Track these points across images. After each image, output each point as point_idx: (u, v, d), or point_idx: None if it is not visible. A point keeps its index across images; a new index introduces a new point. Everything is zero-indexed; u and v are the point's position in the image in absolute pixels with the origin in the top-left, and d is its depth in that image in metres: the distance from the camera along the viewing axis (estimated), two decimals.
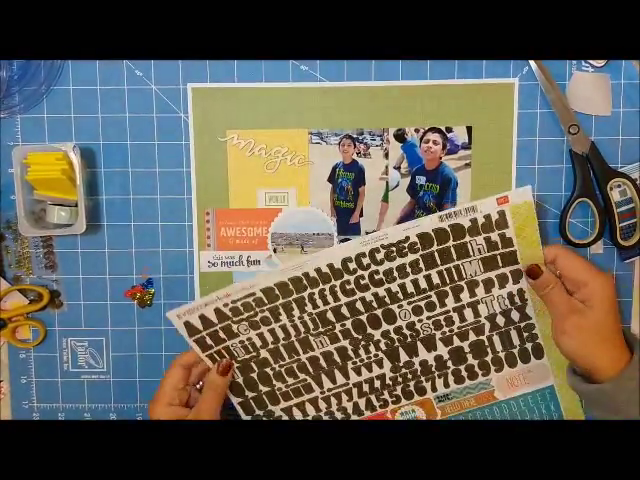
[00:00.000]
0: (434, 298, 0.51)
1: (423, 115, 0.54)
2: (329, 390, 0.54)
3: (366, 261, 0.50)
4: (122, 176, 0.55)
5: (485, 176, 0.54)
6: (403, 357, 0.53)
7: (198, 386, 0.53)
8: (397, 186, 0.55)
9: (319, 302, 0.51)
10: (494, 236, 0.49)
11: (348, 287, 0.50)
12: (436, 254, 0.50)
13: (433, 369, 0.53)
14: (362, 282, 0.50)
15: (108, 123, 0.54)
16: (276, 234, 0.56)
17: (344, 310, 0.51)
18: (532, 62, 0.53)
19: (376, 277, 0.50)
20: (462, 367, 0.53)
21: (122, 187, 0.55)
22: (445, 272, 0.51)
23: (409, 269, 0.50)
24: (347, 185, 0.55)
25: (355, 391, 0.54)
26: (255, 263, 0.56)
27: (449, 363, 0.53)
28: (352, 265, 0.50)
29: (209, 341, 0.51)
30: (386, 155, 0.55)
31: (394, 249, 0.49)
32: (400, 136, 0.54)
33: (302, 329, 0.52)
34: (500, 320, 0.52)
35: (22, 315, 0.56)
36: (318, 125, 0.54)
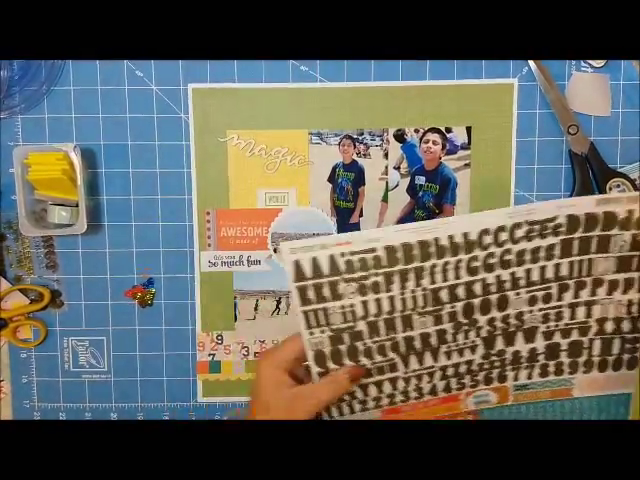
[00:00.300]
0: (554, 290, 0.48)
1: (423, 115, 0.54)
2: (413, 371, 0.50)
3: (504, 236, 0.46)
4: (123, 176, 0.55)
5: (484, 176, 0.55)
6: (499, 345, 0.50)
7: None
8: (397, 186, 0.55)
9: (438, 277, 0.46)
10: None
11: (473, 264, 0.46)
12: (576, 242, 0.46)
13: (522, 360, 0.51)
14: (491, 261, 0.46)
15: (109, 123, 0.54)
16: (276, 234, 0.56)
17: (460, 290, 0.47)
18: (531, 62, 0.53)
19: (505, 257, 0.46)
20: (552, 363, 0.51)
21: (123, 187, 0.55)
22: (577, 264, 0.47)
23: (543, 253, 0.47)
24: (347, 185, 0.55)
25: (438, 374, 0.51)
26: (255, 263, 0.56)
27: (541, 357, 0.50)
28: (488, 239, 0.46)
29: (310, 294, 0.46)
30: (386, 155, 0.55)
31: (537, 228, 0.46)
32: (400, 136, 0.55)
33: (410, 305, 0.47)
34: (609, 326, 0.50)
35: (23, 315, 0.56)
36: (318, 125, 0.55)
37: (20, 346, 0.57)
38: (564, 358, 0.50)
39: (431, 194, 0.55)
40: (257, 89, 0.54)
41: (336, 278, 0.46)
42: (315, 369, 0.48)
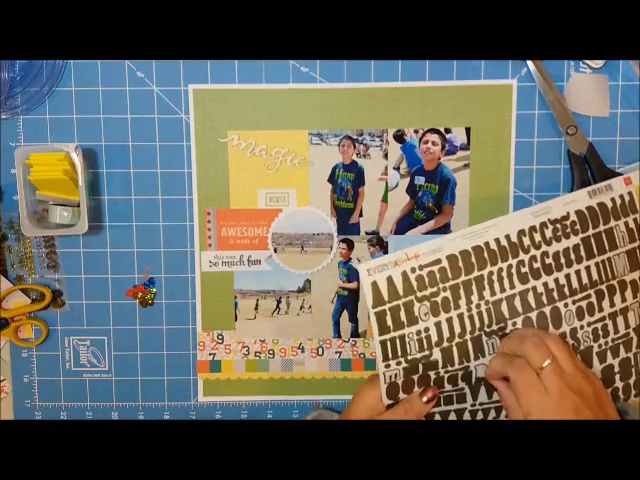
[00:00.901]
0: (593, 299, 0.48)
1: (422, 116, 0.54)
2: (481, 404, 0.49)
3: (537, 237, 0.47)
4: (124, 177, 0.55)
5: (484, 177, 0.55)
6: None
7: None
8: (396, 186, 0.55)
9: (496, 286, 0.47)
10: (630, 222, 0.48)
11: (523, 270, 0.47)
12: (592, 240, 0.48)
13: None
14: (535, 265, 0.47)
15: (110, 124, 0.55)
16: (276, 234, 0.56)
17: (517, 302, 0.47)
18: (530, 63, 0.53)
19: (547, 261, 0.48)
20: (609, 390, 0.48)
21: (124, 187, 0.55)
22: (601, 265, 0.48)
23: (573, 255, 0.48)
24: (347, 185, 0.56)
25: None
26: (256, 263, 0.56)
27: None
28: (526, 240, 0.47)
29: (389, 321, 0.46)
30: (385, 156, 0.55)
31: (559, 227, 0.48)
32: (399, 137, 0.55)
33: (477, 323, 0.47)
34: None
35: (24, 314, 0.57)
36: (318, 126, 0.55)
37: (21, 346, 0.57)
38: (618, 382, 0.48)
39: (431, 194, 0.55)
40: (257, 90, 0.54)
41: (411, 298, 0.46)
42: (386, 402, 0.47)
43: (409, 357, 0.47)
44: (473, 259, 0.47)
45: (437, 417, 0.49)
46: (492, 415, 0.49)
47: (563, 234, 0.48)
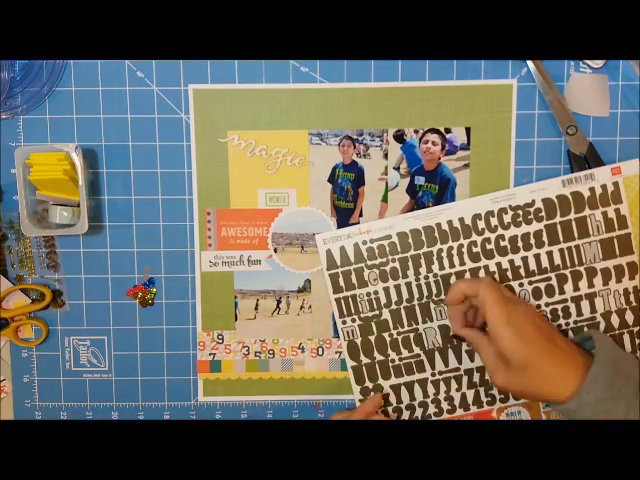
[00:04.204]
0: (554, 281, 0.52)
1: (422, 116, 0.54)
2: (440, 373, 0.54)
3: (494, 222, 0.51)
4: (124, 177, 0.55)
5: (483, 177, 0.55)
6: None
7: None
8: (396, 186, 0.55)
9: (445, 262, 0.52)
10: (610, 212, 0.50)
11: (474, 250, 0.52)
12: (559, 227, 0.51)
13: None
14: (488, 247, 0.51)
15: (110, 124, 0.55)
16: (276, 234, 0.56)
17: (467, 277, 0.52)
18: (530, 63, 0.53)
19: (502, 243, 0.51)
20: None
21: (124, 187, 0.55)
22: (566, 251, 0.51)
23: (533, 240, 0.51)
24: (347, 185, 0.56)
25: (465, 380, 0.54)
26: (256, 263, 0.56)
27: None
28: (481, 224, 0.52)
29: (341, 282, 0.53)
30: (385, 156, 0.55)
31: (521, 213, 0.51)
32: (399, 137, 0.55)
33: (425, 292, 0.53)
34: (615, 320, 0.52)
35: (24, 314, 0.57)
36: (318, 126, 0.55)
37: (21, 345, 0.57)
38: None
39: (431, 194, 0.55)
40: (258, 90, 0.54)
41: (361, 265, 0.53)
42: (350, 363, 0.55)
43: (362, 315, 0.54)
44: (423, 237, 0.52)
45: (403, 390, 0.55)
46: (454, 386, 0.54)
47: (524, 220, 0.51)
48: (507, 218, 0.51)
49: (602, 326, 0.52)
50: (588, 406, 0.43)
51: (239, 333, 0.57)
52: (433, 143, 0.55)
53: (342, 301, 0.54)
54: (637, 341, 0.52)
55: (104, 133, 0.55)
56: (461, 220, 0.52)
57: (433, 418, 0.55)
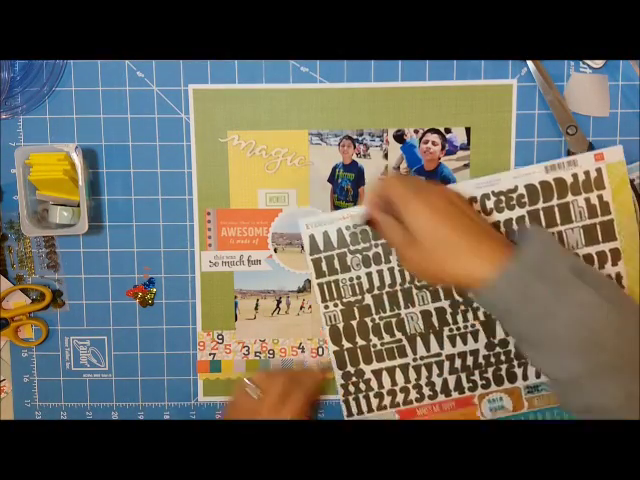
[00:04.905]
0: None
1: (422, 116, 0.54)
2: (422, 358, 0.54)
3: (477, 207, 0.51)
4: (124, 177, 0.55)
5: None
6: (499, 333, 0.53)
7: None
8: None
9: None
10: (593, 198, 0.50)
11: None
12: (541, 213, 0.51)
13: None
14: None
15: (110, 124, 0.55)
16: (276, 234, 0.56)
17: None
18: (530, 63, 0.53)
19: None
20: None
21: (124, 187, 0.55)
22: None
23: (515, 226, 0.51)
24: (347, 185, 0.56)
25: (447, 365, 0.54)
26: (256, 263, 0.56)
27: None
28: None
29: (324, 266, 0.53)
30: (385, 156, 0.55)
31: (504, 198, 0.51)
32: (399, 137, 0.55)
33: (407, 277, 0.53)
34: None
35: (24, 314, 0.57)
36: (318, 126, 0.55)
37: (21, 346, 0.57)
38: None
39: None
40: (257, 90, 0.54)
41: (344, 250, 0.53)
42: (332, 347, 0.55)
43: (344, 300, 0.54)
44: None
45: (384, 375, 0.55)
46: (436, 372, 0.55)
47: (507, 206, 0.51)
48: (490, 204, 0.51)
49: None
50: (502, 297, 0.41)
51: (239, 333, 0.57)
52: (433, 143, 0.55)
53: (325, 286, 0.54)
54: None
55: (104, 133, 0.55)
56: None
57: (414, 404, 0.55)
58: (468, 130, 0.54)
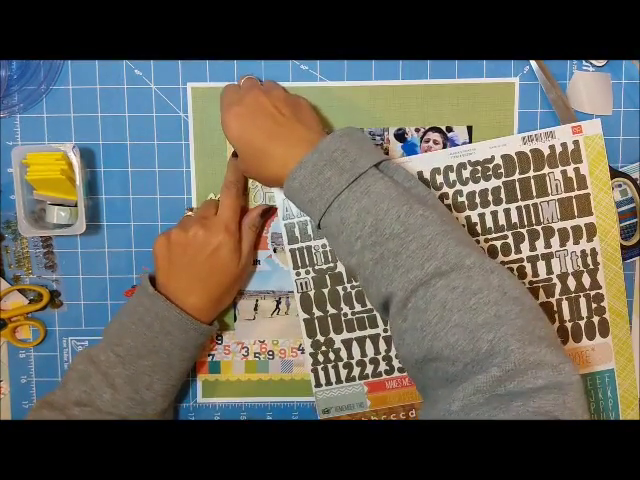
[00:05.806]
0: (510, 240, 0.51)
1: (423, 115, 0.54)
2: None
3: (452, 177, 0.51)
4: (122, 176, 0.55)
5: None
6: None
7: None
8: None
9: None
10: (570, 171, 0.50)
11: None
12: (517, 184, 0.51)
13: None
14: (445, 202, 0.51)
15: (108, 123, 0.54)
16: (276, 234, 0.56)
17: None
18: (533, 62, 0.52)
19: (459, 199, 0.51)
20: None
21: (122, 187, 0.55)
22: (524, 210, 0.51)
23: (491, 197, 0.51)
24: None
25: None
26: (255, 263, 0.56)
27: None
28: (439, 179, 0.51)
29: (297, 232, 0.53)
30: (386, 154, 0.55)
31: (480, 168, 0.51)
32: (400, 136, 0.54)
33: None
34: (571, 283, 0.52)
35: (22, 315, 0.56)
36: None
37: (19, 346, 0.57)
38: None
39: None
40: None
41: None
42: (302, 315, 0.54)
43: (316, 267, 0.53)
44: None
45: (354, 346, 0.54)
46: None
47: (483, 176, 0.51)
48: (466, 173, 0.51)
49: (558, 288, 0.52)
50: (294, 191, 0.44)
51: (238, 334, 0.57)
52: (434, 142, 0.54)
53: (297, 252, 0.53)
54: (593, 305, 0.52)
55: (102, 132, 0.54)
56: (420, 174, 0.51)
57: (384, 376, 0.54)
58: (470, 129, 0.54)
